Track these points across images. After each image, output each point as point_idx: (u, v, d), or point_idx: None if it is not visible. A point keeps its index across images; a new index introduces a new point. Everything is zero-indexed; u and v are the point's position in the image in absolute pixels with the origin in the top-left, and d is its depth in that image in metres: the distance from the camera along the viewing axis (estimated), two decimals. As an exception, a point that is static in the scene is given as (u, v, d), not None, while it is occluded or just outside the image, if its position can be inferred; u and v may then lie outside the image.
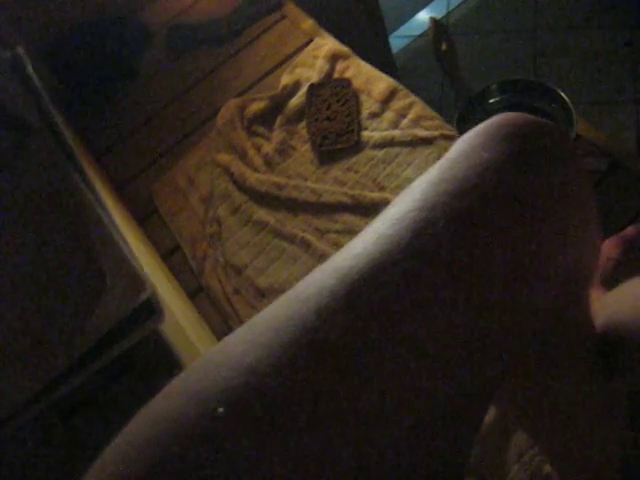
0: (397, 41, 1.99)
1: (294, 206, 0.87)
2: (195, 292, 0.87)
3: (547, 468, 0.61)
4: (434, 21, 1.08)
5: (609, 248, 0.33)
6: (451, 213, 0.22)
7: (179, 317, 0.59)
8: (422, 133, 0.87)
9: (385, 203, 0.83)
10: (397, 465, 0.19)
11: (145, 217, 0.96)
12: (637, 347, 0.25)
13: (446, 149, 0.86)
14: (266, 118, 0.96)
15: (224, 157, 0.94)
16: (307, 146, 0.92)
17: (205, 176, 0.94)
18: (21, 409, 0.37)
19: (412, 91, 0.92)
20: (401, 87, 0.92)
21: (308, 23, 1.05)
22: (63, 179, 0.47)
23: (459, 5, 2.05)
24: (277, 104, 0.96)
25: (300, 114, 0.94)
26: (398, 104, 0.90)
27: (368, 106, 0.92)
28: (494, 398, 0.23)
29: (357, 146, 0.89)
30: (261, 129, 0.95)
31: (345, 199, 0.85)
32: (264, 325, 0.21)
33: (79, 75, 1.06)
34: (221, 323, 0.84)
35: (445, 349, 0.20)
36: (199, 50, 1.09)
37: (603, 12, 1.87)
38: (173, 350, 0.44)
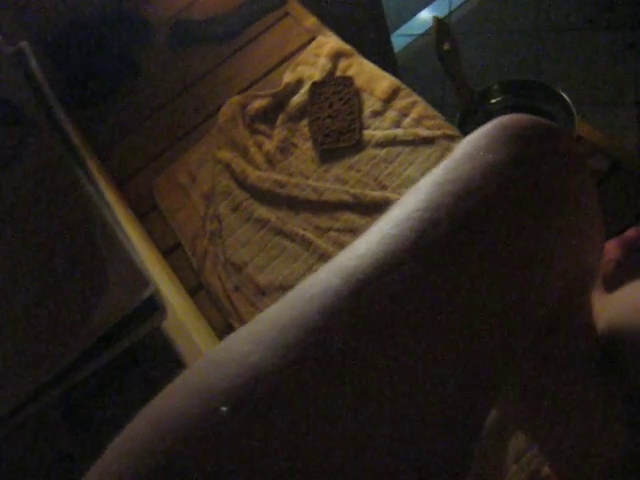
0: (399, 40, 1.99)
1: (295, 204, 0.87)
2: (195, 289, 0.87)
3: (545, 469, 0.62)
4: (437, 20, 1.08)
5: (610, 250, 0.33)
6: (456, 214, 0.22)
7: (180, 314, 0.59)
8: (424, 132, 0.87)
9: (386, 202, 0.83)
10: (398, 465, 0.19)
11: (145, 213, 0.96)
12: (638, 350, 0.25)
13: (448, 149, 0.87)
14: (268, 116, 0.96)
15: (225, 154, 0.94)
16: (309, 144, 0.92)
17: (206, 173, 0.94)
18: (22, 405, 0.37)
19: (413, 90, 0.92)
20: (403, 86, 0.92)
21: (311, 21, 1.05)
22: (66, 175, 0.47)
23: (461, 5, 2.05)
24: (279, 102, 0.96)
25: (302, 112, 0.94)
26: (400, 103, 0.90)
27: (370, 105, 0.92)
28: (496, 400, 0.23)
29: (359, 145, 0.89)
30: (263, 127, 0.95)
31: (346, 198, 0.85)
32: (268, 324, 0.21)
33: (80, 71, 1.06)
34: (221, 320, 0.84)
35: (449, 350, 0.20)
36: (201, 47, 1.09)
37: (605, 13, 1.87)
38: (175, 347, 0.44)
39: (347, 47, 0.98)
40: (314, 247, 0.83)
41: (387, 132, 0.89)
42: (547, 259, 0.23)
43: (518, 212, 0.22)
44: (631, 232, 0.34)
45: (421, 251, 0.21)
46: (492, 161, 0.23)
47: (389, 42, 1.46)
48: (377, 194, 0.84)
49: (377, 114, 0.91)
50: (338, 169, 0.88)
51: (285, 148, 0.92)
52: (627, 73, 1.75)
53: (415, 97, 0.91)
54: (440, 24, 1.08)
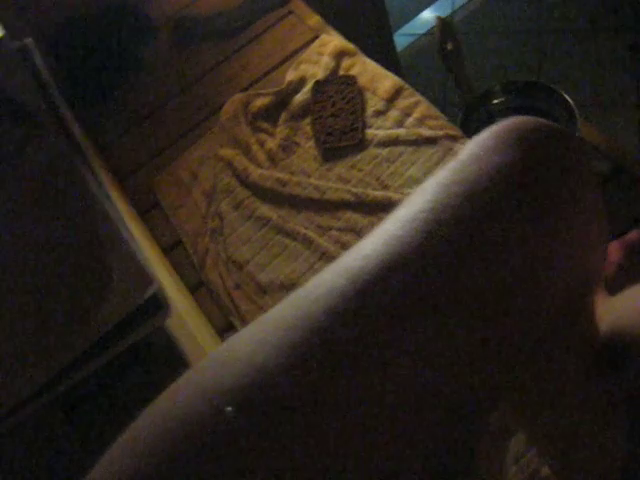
0: (401, 39, 1.99)
1: (297, 203, 0.87)
2: (196, 287, 0.87)
3: (545, 470, 0.62)
4: (441, 20, 1.08)
5: (611, 252, 0.33)
6: (462, 216, 0.22)
7: (182, 312, 0.59)
8: (426, 132, 0.87)
9: (388, 202, 0.83)
10: (400, 465, 0.19)
11: (146, 210, 0.95)
12: None
13: (450, 149, 0.87)
14: (270, 114, 0.96)
15: (227, 152, 0.94)
16: (311, 143, 0.92)
17: (208, 170, 0.94)
18: (24, 403, 0.37)
19: (415, 90, 0.92)
20: (406, 86, 0.92)
21: (314, 19, 1.05)
22: (70, 172, 0.47)
23: (464, 5, 2.05)
24: (282, 100, 0.96)
25: (305, 110, 0.94)
26: (403, 103, 0.90)
27: (373, 104, 0.92)
28: (499, 401, 0.23)
29: (361, 144, 0.89)
30: (265, 125, 0.95)
31: (348, 197, 0.85)
32: (273, 324, 0.21)
33: (82, 67, 1.06)
34: (221, 318, 0.84)
35: (454, 351, 0.20)
36: (204, 44, 1.08)
37: (607, 15, 1.87)
38: (177, 345, 0.43)
39: (350, 46, 0.98)
40: (315, 246, 0.83)
41: (390, 132, 0.89)
42: (551, 261, 0.23)
43: (524, 214, 0.22)
44: (633, 235, 0.34)
45: (427, 252, 0.21)
46: (498, 163, 0.23)
47: (392, 41, 1.46)
48: (379, 194, 0.84)
49: (380, 113, 0.91)
50: (340, 168, 0.88)
51: (287, 146, 0.92)
52: (629, 75, 1.75)
53: (418, 97, 0.91)
54: (444, 24, 1.08)
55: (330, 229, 0.84)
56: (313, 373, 0.19)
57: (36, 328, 0.41)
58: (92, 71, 1.06)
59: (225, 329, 0.83)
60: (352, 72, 0.96)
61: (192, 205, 0.92)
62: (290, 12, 1.07)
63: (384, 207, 0.83)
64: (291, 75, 0.98)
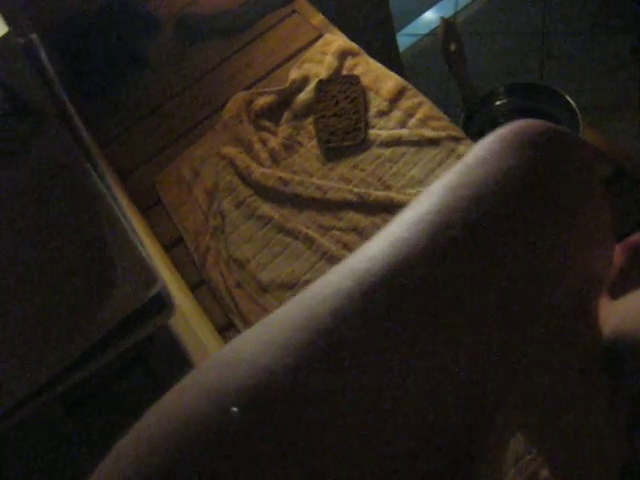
0: (403, 39, 1.99)
1: (299, 202, 0.87)
2: (196, 285, 0.87)
3: (544, 473, 0.62)
4: (444, 21, 1.08)
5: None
6: (468, 218, 0.22)
7: (185, 310, 0.59)
8: (429, 133, 0.87)
9: (390, 202, 0.83)
10: (404, 466, 0.20)
11: (148, 208, 0.95)
12: None
13: (453, 150, 0.87)
14: (273, 112, 0.96)
15: (230, 150, 0.94)
16: (313, 142, 0.92)
17: (210, 168, 0.94)
18: (25, 402, 0.37)
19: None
20: (410, 86, 0.92)
21: (318, 18, 1.05)
22: (75, 168, 0.47)
23: (467, 6, 2.05)
24: (285, 99, 0.96)
25: (307, 110, 0.94)
26: (406, 103, 0.90)
27: (376, 104, 0.92)
28: (502, 404, 0.23)
29: (364, 144, 0.89)
30: (268, 123, 0.95)
31: (350, 197, 0.85)
32: (278, 325, 0.21)
33: (85, 63, 1.06)
34: (222, 317, 0.84)
35: (460, 354, 0.20)
36: (208, 41, 1.08)
37: (610, 18, 1.87)
38: (180, 343, 0.43)
39: (354, 46, 0.98)
40: (317, 245, 0.83)
41: (392, 132, 0.89)
42: (558, 266, 0.23)
43: (531, 218, 0.22)
44: (635, 238, 0.34)
45: (433, 255, 0.21)
46: (505, 166, 0.23)
47: (395, 42, 1.46)
48: (381, 194, 0.84)
49: (383, 114, 0.91)
50: (343, 168, 0.88)
51: (290, 145, 0.92)
52: (631, 78, 1.75)
53: (421, 97, 0.91)
54: (447, 25, 1.08)
55: (332, 229, 0.84)
56: (319, 374, 0.19)
57: (39, 325, 0.41)
58: (95, 67, 1.06)
59: (226, 328, 0.83)
60: (355, 72, 0.96)
61: (194, 203, 0.92)
62: (294, 11, 1.07)
63: (386, 207, 0.83)
64: (294, 74, 0.98)
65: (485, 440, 0.22)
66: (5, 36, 0.57)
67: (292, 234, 0.85)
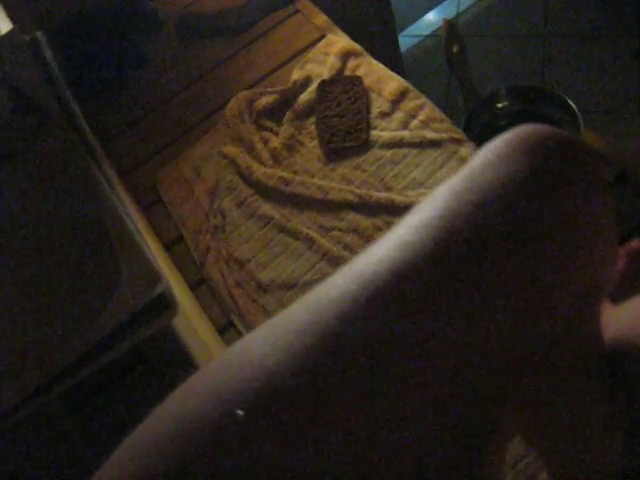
0: (405, 40, 1.99)
1: (300, 202, 0.87)
2: (196, 284, 0.87)
3: (542, 476, 0.62)
4: (447, 22, 1.08)
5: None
6: (474, 223, 0.22)
7: (186, 309, 0.59)
8: (431, 135, 0.87)
9: (391, 203, 0.83)
10: (407, 470, 0.20)
11: (148, 206, 0.95)
12: None
13: (455, 152, 0.87)
14: (275, 112, 0.96)
15: (231, 149, 0.94)
16: (315, 142, 0.92)
17: (211, 167, 0.94)
18: (27, 400, 0.37)
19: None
20: (412, 88, 0.92)
21: (321, 19, 1.05)
22: (79, 167, 0.47)
23: (468, 8, 2.05)
24: (287, 99, 0.96)
25: (309, 110, 0.94)
26: (408, 105, 0.90)
27: (378, 105, 0.92)
28: (504, 409, 0.23)
29: (365, 145, 0.89)
30: (269, 123, 0.95)
31: (351, 198, 0.85)
32: (284, 327, 0.21)
33: (87, 60, 1.06)
34: (221, 316, 0.84)
35: (466, 359, 0.20)
36: (210, 40, 1.08)
37: (612, 22, 1.87)
38: (183, 342, 0.43)
39: (357, 46, 0.98)
40: (317, 246, 0.83)
41: (394, 133, 0.89)
42: (562, 272, 0.23)
43: (537, 223, 0.22)
44: (636, 243, 0.34)
45: (439, 260, 0.21)
46: (511, 171, 0.23)
47: (396, 43, 1.46)
48: (382, 195, 0.84)
49: (385, 115, 0.91)
50: (344, 168, 0.88)
51: (291, 145, 0.92)
52: (632, 82, 1.75)
53: (423, 99, 0.91)
54: (450, 26, 1.08)
55: (332, 229, 0.84)
56: (324, 378, 0.19)
57: (42, 324, 0.41)
58: (97, 65, 1.06)
59: (225, 327, 0.83)
60: (358, 73, 0.96)
61: (194, 202, 0.92)
62: (297, 11, 1.07)
63: (387, 209, 0.83)
64: (297, 74, 0.98)
65: (488, 444, 0.22)
66: (10, 33, 0.57)
67: (293, 234, 0.85)
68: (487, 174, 0.23)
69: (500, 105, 1.24)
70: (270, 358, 0.19)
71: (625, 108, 1.71)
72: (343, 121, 0.91)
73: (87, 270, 0.43)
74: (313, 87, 0.95)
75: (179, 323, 0.45)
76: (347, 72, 0.97)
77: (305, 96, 0.95)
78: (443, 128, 0.87)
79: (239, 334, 0.81)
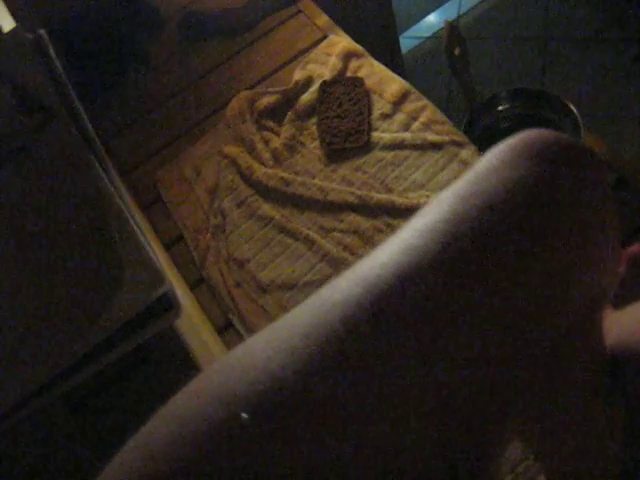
0: (406, 42, 1.99)
1: (300, 203, 0.87)
2: (196, 283, 0.87)
3: (541, 479, 0.62)
4: (449, 25, 1.08)
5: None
6: (479, 228, 0.22)
7: (187, 309, 0.59)
8: (432, 137, 0.87)
9: (392, 205, 0.83)
10: (411, 472, 0.20)
11: (148, 205, 0.95)
12: None
13: (456, 155, 0.87)
14: (276, 112, 0.96)
15: (232, 149, 0.94)
16: (316, 143, 0.92)
17: (212, 167, 0.94)
18: (28, 401, 0.37)
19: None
20: (413, 90, 0.92)
21: (323, 19, 1.05)
22: (83, 165, 0.46)
23: (469, 10, 2.05)
24: (288, 99, 0.96)
25: (311, 110, 0.94)
26: (410, 107, 0.90)
27: (380, 107, 0.92)
28: (508, 414, 0.23)
29: (366, 146, 0.89)
30: (271, 123, 0.95)
31: (352, 199, 0.85)
32: (288, 331, 0.21)
33: (88, 59, 1.06)
34: (220, 316, 0.84)
35: (469, 362, 0.20)
36: (212, 40, 1.08)
37: (613, 27, 1.87)
38: (184, 343, 0.43)
39: (359, 48, 0.98)
40: (317, 247, 0.83)
41: (395, 135, 0.89)
42: (568, 277, 0.23)
43: (541, 228, 0.22)
44: (636, 247, 0.34)
45: (443, 264, 0.21)
46: (516, 176, 0.23)
47: (397, 44, 1.46)
48: (383, 197, 0.84)
49: (386, 116, 0.91)
50: (345, 170, 0.88)
51: (292, 146, 0.92)
52: (632, 87, 1.75)
53: (424, 101, 0.91)
54: (452, 28, 1.08)
55: (333, 230, 0.84)
56: (328, 381, 0.19)
57: (45, 323, 0.41)
58: (98, 63, 1.06)
59: (224, 327, 0.83)
60: (359, 74, 0.96)
61: (195, 201, 0.92)
62: (299, 11, 1.07)
63: (387, 210, 0.83)
64: (298, 75, 0.98)
65: (489, 447, 0.22)
66: (13, 31, 0.57)
67: (293, 235, 0.85)
68: (492, 179, 0.23)
69: (501, 108, 1.24)
70: (274, 361, 0.19)
71: (625, 112, 1.71)
72: (344, 122, 0.91)
73: (90, 270, 0.43)
74: (315, 88, 0.95)
75: (182, 324, 0.45)
76: (349, 73, 0.96)
77: (306, 97, 0.95)
78: (444, 130, 0.87)
79: (238, 334, 0.81)
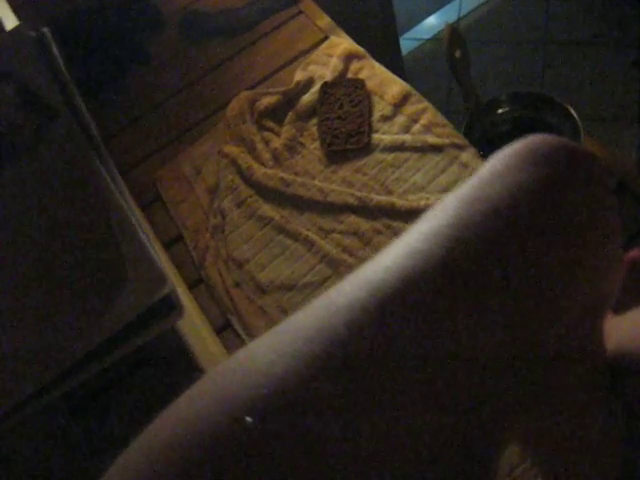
0: (406, 43, 1.99)
1: (300, 204, 0.87)
2: (194, 283, 0.87)
3: (538, 483, 0.62)
4: (450, 27, 1.08)
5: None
6: (484, 233, 0.22)
7: (188, 309, 0.59)
8: (433, 140, 0.87)
9: (392, 207, 0.83)
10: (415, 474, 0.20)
11: (147, 204, 0.95)
12: None
13: (456, 158, 0.87)
14: (277, 113, 0.96)
15: (232, 149, 0.93)
16: (316, 144, 0.92)
17: (212, 167, 0.94)
18: (28, 401, 0.36)
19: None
20: (414, 92, 0.92)
21: (324, 20, 1.05)
22: (85, 164, 0.46)
23: (469, 13, 2.05)
24: (289, 100, 0.96)
25: (311, 111, 0.94)
26: (410, 109, 0.90)
27: (380, 108, 0.92)
28: (508, 419, 0.23)
29: (367, 148, 0.89)
30: (271, 124, 0.95)
31: (352, 200, 0.85)
32: (292, 334, 0.21)
33: (88, 57, 1.06)
34: (219, 316, 0.84)
35: (475, 367, 0.20)
36: (212, 39, 1.08)
37: (612, 31, 1.88)
38: (186, 344, 0.43)
39: (360, 49, 0.98)
40: (317, 248, 0.83)
41: (396, 137, 0.89)
42: (570, 283, 0.23)
43: (546, 234, 0.22)
44: (635, 252, 0.34)
45: (448, 268, 0.21)
46: (521, 181, 0.23)
47: (398, 45, 1.46)
48: (383, 199, 0.84)
49: (387, 118, 0.91)
50: (345, 171, 0.88)
51: (292, 147, 0.92)
52: (631, 90, 1.75)
53: (425, 103, 0.91)
54: (452, 31, 1.08)
55: (332, 232, 0.84)
56: (332, 386, 0.19)
57: (46, 324, 0.41)
58: (98, 62, 1.06)
59: (223, 327, 0.83)
60: (360, 75, 0.96)
61: (194, 201, 0.92)
62: (300, 12, 1.07)
63: (387, 212, 0.83)
64: (299, 75, 0.98)
65: (486, 451, 0.22)
66: (16, 29, 0.57)
67: (292, 236, 0.85)
68: (496, 184, 0.23)
69: (501, 111, 1.24)
70: (278, 365, 0.19)
71: (624, 116, 1.72)
72: (345, 124, 0.91)
73: (92, 270, 0.42)
74: (315, 88, 0.95)
75: (183, 325, 0.45)
76: (350, 74, 0.97)
77: (307, 97, 0.95)
78: (445, 133, 0.87)
79: (236, 335, 0.81)
